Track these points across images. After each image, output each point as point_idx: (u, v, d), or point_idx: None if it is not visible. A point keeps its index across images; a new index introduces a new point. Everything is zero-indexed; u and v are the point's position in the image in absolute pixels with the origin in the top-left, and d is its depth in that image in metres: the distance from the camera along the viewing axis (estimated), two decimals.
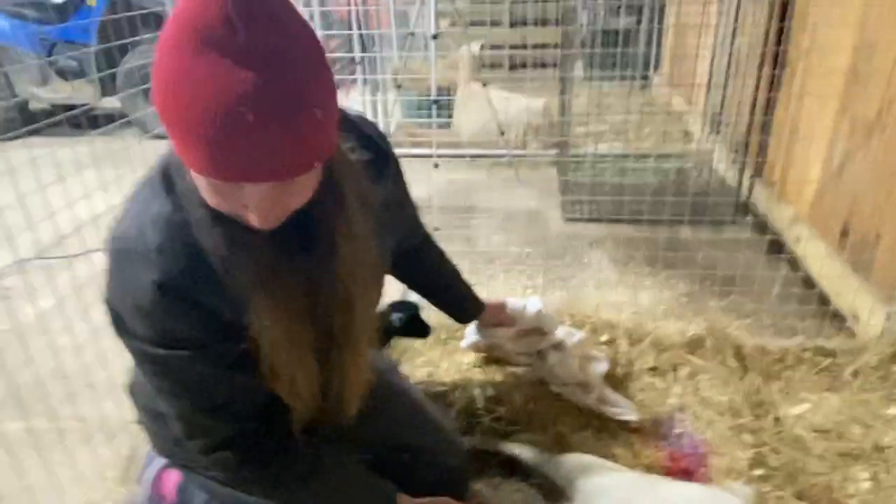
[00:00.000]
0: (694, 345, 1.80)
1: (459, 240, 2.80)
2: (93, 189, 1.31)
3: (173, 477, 1.30)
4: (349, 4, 3.80)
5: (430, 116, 4.09)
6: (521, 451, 1.43)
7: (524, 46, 4.57)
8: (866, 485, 1.37)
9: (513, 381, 1.59)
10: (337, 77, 0.71)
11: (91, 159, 1.27)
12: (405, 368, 1.65)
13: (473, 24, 5.68)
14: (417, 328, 1.43)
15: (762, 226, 2.70)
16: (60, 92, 5.25)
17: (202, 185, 0.70)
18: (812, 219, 2.36)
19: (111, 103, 5.28)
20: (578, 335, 1.63)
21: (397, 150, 1.06)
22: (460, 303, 1.46)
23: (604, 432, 1.51)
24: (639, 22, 5.06)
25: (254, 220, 0.72)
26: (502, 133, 3.83)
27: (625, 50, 3.74)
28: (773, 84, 2.69)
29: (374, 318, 1.02)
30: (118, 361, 1.48)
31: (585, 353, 1.63)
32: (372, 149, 0.96)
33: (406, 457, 1.26)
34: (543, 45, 4.32)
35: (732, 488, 1.25)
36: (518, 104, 4.18)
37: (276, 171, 0.66)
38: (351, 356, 0.96)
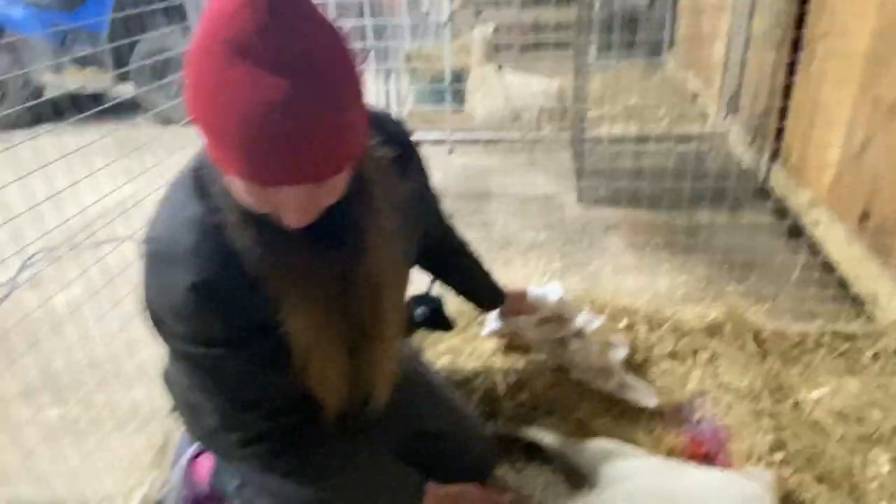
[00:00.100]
0: (713, 330, 1.81)
1: (475, 225, 2.81)
2: (109, 177, 1.33)
3: (206, 463, 1.34)
4: None
5: (442, 101, 4.09)
6: (543, 436, 1.45)
7: (537, 28, 4.53)
8: (886, 468, 1.38)
9: (534, 368, 1.61)
10: None
11: (101, 147, 1.29)
12: (427, 356, 1.67)
13: (486, 2, 5.64)
14: (440, 322, 1.45)
15: (780, 209, 2.69)
16: (75, 79, 5.28)
17: (238, 187, 0.72)
18: (831, 202, 2.35)
19: (123, 88, 5.30)
20: (598, 321, 1.65)
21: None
22: (482, 291, 1.47)
23: (624, 418, 1.53)
24: (652, 2, 5.01)
25: (289, 220, 0.74)
26: (517, 117, 3.81)
27: (639, 31, 3.70)
28: (792, 67, 2.66)
29: (402, 309, 1.04)
30: (147, 350, 1.52)
31: (605, 340, 1.64)
32: (397, 145, 0.97)
33: (431, 444, 1.29)
34: (557, 27, 4.28)
35: (753, 473, 1.26)
36: (532, 87, 4.16)
37: (312, 174, 0.68)
38: (380, 349, 0.98)
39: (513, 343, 1.65)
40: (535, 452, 1.48)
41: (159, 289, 0.84)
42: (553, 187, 3.29)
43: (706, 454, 1.43)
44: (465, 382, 1.60)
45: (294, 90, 0.63)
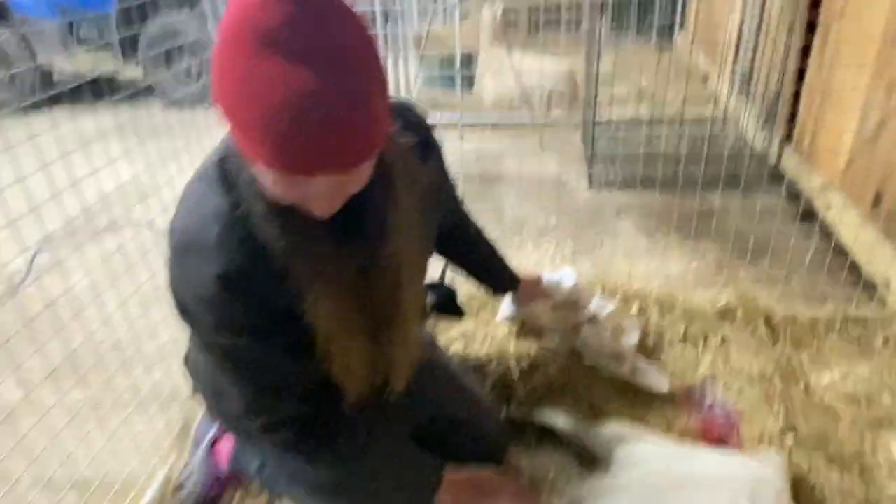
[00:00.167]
0: (724, 314, 1.82)
1: (486, 210, 2.81)
2: (117, 159, 1.33)
3: (227, 445, 1.37)
4: None
5: (452, 85, 4.07)
6: (557, 419, 1.47)
7: (547, 9, 4.48)
8: None
9: (547, 353, 1.63)
10: None
11: (111, 131, 1.29)
12: (440, 341, 1.69)
13: None
14: (453, 309, 1.47)
15: (792, 193, 2.68)
16: (82, 61, 5.28)
17: (267, 178, 0.73)
18: (844, 186, 2.34)
19: (133, 72, 5.30)
20: (610, 306, 1.66)
21: None
22: (497, 277, 1.49)
23: (637, 401, 1.55)
24: None
25: (318, 208, 0.75)
26: (527, 101, 3.80)
27: (650, 11, 3.66)
28: (805, 50, 2.63)
29: (421, 296, 1.05)
30: (166, 333, 1.55)
31: (617, 324, 1.66)
32: (415, 132, 0.98)
33: (445, 428, 1.31)
34: (567, 7, 4.24)
35: (764, 455, 1.28)
36: (542, 69, 4.14)
37: (341, 162, 0.69)
38: (400, 335, 1.00)
39: (526, 328, 1.67)
40: (547, 436, 1.50)
41: (185, 279, 0.86)
42: (563, 170, 3.28)
43: (718, 437, 1.45)
44: (478, 367, 1.61)
45: (323, 80, 0.64)
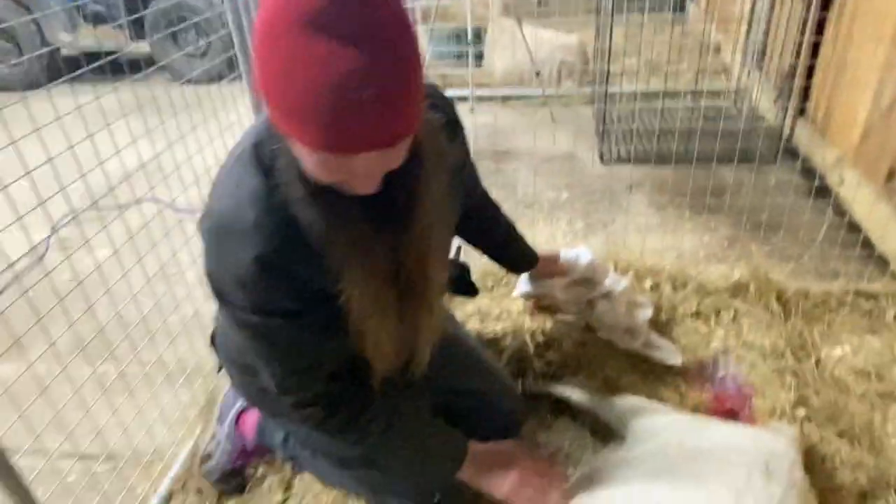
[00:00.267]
0: (737, 289, 1.84)
1: (497, 185, 2.82)
2: (127, 136, 1.34)
3: (252, 418, 1.41)
4: None
5: (461, 59, 4.04)
6: (572, 392, 1.50)
7: None
8: None
9: (562, 328, 1.65)
10: None
11: (118, 106, 1.30)
12: (457, 316, 1.72)
13: None
14: (466, 287, 1.48)
15: (806, 168, 2.67)
16: (89, 38, 5.26)
17: (309, 160, 0.74)
18: (857, 161, 2.34)
19: (140, 48, 5.28)
20: (624, 282, 1.68)
21: None
22: (516, 256, 1.50)
23: (651, 375, 1.58)
24: None
25: (361, 186, 0.77)
26: (538, 73, 3.77)
27: None
28: (820, 24, 2.60)
29: (446, 273, 1.07)
30: (188, 307, 1.58)
31: (631, 300, 1.68)
32: (442, 111, 0.99)
33: (463, 402, 1.34)
34: None
35: (777, 428, 1.31)
36: (552, 41, 4.10)
37: (387, 139, 0.70)
38: (426, 314, 1.02)
39: (541, 304, 1.69)
40: (563, 409, 1.53)
41: (222, 261, 0.87)
42: (574, 145, 3.28)
43: (730, 410, 1.48)
44: (494, 342, 1.64)
45: (369, 59, 0.65)
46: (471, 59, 3.80)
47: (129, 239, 1.39)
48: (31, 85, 4.89)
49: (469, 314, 1.73)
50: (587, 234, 2.41)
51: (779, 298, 1.80)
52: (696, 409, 1.47)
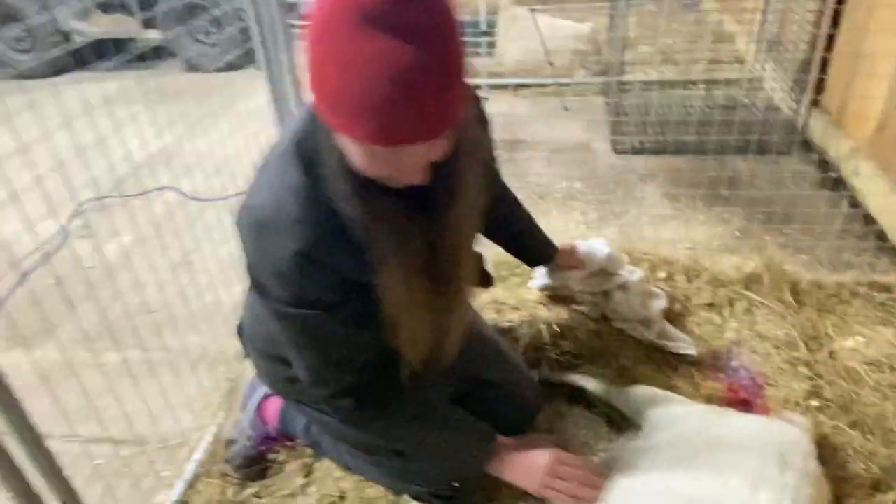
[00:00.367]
0: (750, 281, 1.85)
1: (508, 175, 2.81)
2: (139, 125, 1.35)
3: (275, 404, 1.44)
4: None
5: (473, 47, 4.03)
6: (587, 382, 1.53)
7: None
8: None
9: (577, 317, 1.67)
10: None
11: (128, 94, 1.31)
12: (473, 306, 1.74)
13: None
14: (481, 278, 1.50)
15: (820, 159, 2.67)
16: (102, 25, 5.27)
17: (360, 154, 0.76)
18: (872, 153, 2.33)
19: (152, 35, 5.28)
20: (638, 273, 1.69)
21: None
22: (534, 249, 1.52)
23: (665, 365, 1.60)
24: None
25: (411, 177, 0.79)
26: (551, 63, 3.76)
27: None
28: (836, 16, 2.59)
29: (475, 267, 1.09)
30: (209, 295, 1.60)
31: (646, 290, 1.69)
32: (473, 105, 1.01)
33: (480, 390, 1.36)
34: None
35: (790, 418, 1.33)
36: (564, 30, 4.08)
37: (437, 130, 0.73)
38: (458, 305, 1.04)
39: (556, 294, 1.71)
40: (578, 398, 1.56)
41: (263, 255, 0.89)
42: (587, 134, 3.28)
43: (744, 400, 1.50)
44: (510, 331, 1.66)
45: (424, 54, 0.67)
46: (481, 48, 3.79)
47: (152, 228, 1.41)
48: (43, 73, 4.91)
49: (485, 304, 1.75)
50: (600, 225, 2.42)
51: (792, 290, 1.81)
52: (709, 399, 1.49)
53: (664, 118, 3.14)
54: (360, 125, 0.70)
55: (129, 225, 1.39)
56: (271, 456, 1.47)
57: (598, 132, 3.28)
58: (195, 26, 4.98)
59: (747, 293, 1.81)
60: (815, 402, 1.46)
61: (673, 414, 1.30)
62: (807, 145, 2.78)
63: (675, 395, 1.39)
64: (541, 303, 1.72)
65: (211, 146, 1.59)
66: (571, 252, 1.57)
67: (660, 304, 1.69)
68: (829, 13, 2.66)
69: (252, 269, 0.92)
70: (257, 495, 1.41)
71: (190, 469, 1.47)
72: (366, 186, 0.81)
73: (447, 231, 0.93)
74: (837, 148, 2.57)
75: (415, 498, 1.32)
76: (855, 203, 2.29)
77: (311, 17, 0.70)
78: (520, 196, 1.47)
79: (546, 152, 3.11)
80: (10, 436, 0.97)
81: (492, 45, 4.26)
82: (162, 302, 1.41)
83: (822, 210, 2.24)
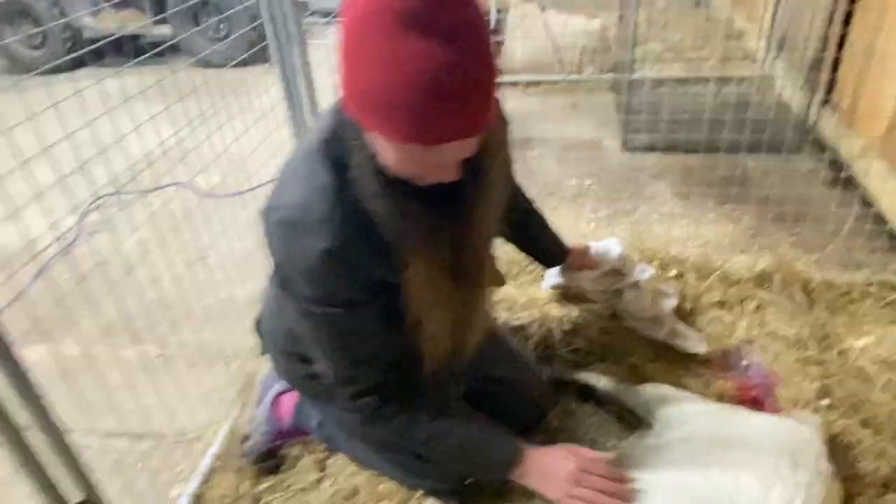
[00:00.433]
0: (761, 279, 1.85)
1: (518, 173, 2.82)
2: (151, 121, 1.35)
3: (289, 400, 1.46)
4: None
5: None
6: (598, 380, 1.53)
7: None
8: None
9: (587, 316, 1.68)
10: None
11: (140, 90, 1.31)
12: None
13: None
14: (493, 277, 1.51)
15: (830, 157, 2.66)
16: (110, 20, 5.30)
17: (393, 153, 0.77)
18: (884, 152, 2.32)
19: (161, 30, 5.30)
20: (649, 271, 1.70)
21: None
22: (548, 249, 1.53)
23: (675, 364, 1.61)
24: None
25: (445, 175, 0.81)
26: (560, 58, 3.75)
27: None
28: (847, 16, 2.58)
29: (495, 266, 1.10)
30: (223, 291, 1.62)
31: (657, 289, 1.70)
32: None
33: (491, 388, 1.37)
34: None
35: (802, 417, 1.33)
36: (573, 26, 4.08)
37: (473, 129, 0.75)
38: (479, 305, 1.06)
39: (567, 292, 1.72)
40: (588, 396, 1.57)
41: (291, 254, 0.91)
42: (596, 132, 3.28)
43: (754, 399, 1.50)
44: (520, 330, 1.68)
45: (461, 54, 0.69)
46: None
47: (167, 224, 1.43)
48: (56, 69, 4.94)
49: (496, 302, 1.76)
50: (610, 223, 2.42)
51: (803, 289, 1.82)
52: (720, 398, 1.50)
53: (674, 116, 3.13)
54: (395, 125, 0.72)
55: (144, 221, 1.41)
56: (285, 451, 1.48)
57: (608, 129, 3.28)
58: (206, 23, 5.00)
59: (758, 292, 1.82)
60: (825, 401, 1.46)
61: (684, 412, 1.30)
62: (818, 144, 2.77)
63: (686, 393, 1.40)
64: (551, 301, 1.73)
65: (224, 142, 1.60)
66: (584, 253, 1.57)
67: (670, 302, 1.70)
68: (840, 12, 2.65)
69: (279, 268, 0.93)
70: (272, 489, 1.43)
71: (205, 463, 1.48)
72: (394, 186, 0.83)
73: (472, 229, 0.95)
74: (849, 147, 2.57)
75: (428, 493, 1.33)
76: (867, 202, 2.29)
77: (345, 19, 0.71)
78: (529, 193, 1.48)
79: (556, 149, 3.11)
80: (34, 430, 0.99)
81: (501, 42, 4.25)
82: (177, 297, 1.43)
83: (833, 209, 2.23)
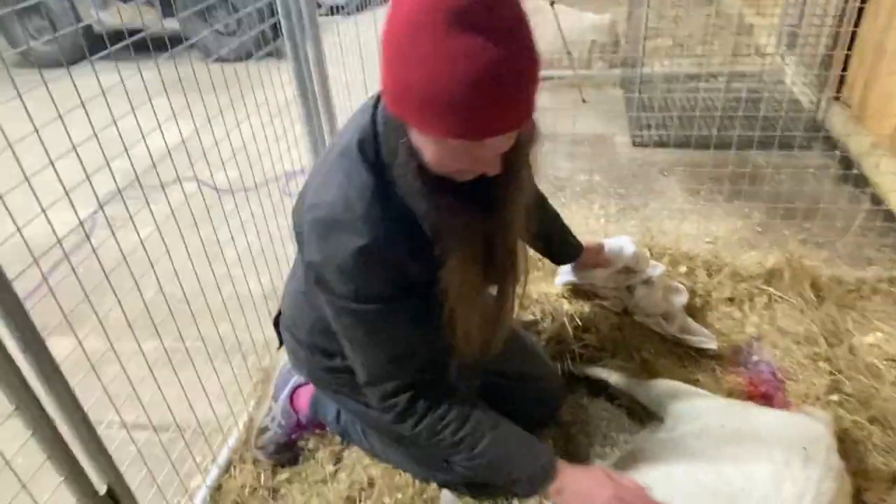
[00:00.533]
0: (771, 276, 1.87)
1: None
2: (160, 115, 1.37)
3: (306, 393, 1.48)
4: None
5: None
6: (609, 375, 1.56)
7: None
8: None
9: (599, 311, 1.70)
10: None
11: (148, 83, 1.32)
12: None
13: None
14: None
15: (839, 154, 2.66)
16: (121, 15, 5.32)
17: (437, 149, 0.79)
18: (893, 148, 2.33)
19: (171, 26, 5.32)
20: (660, 267, 1.72)
21: None
22: (562, 247, 1.54)
23: (686, 359, 1.63)
24: None
25: (488, 168, 0.84)
26: (569, 53, 3.76)
27: None
28: (859, 13, 2.58)
29: (526, 261, 1.11)
30: (239, 285, 1.64)
31: (667, 285, 1.72)
32: None
33: (505, 382, 1.39)
34: None
35: (812, 413, 1.35)
36: (583, 22, 4.07)
37: (517, 123, 0.78)
38: (509, 301, 1.07)
39: (578, 288, 1.74)
40: (599, 391, 1.59)
41: (328, 251, 0.92)
42: (605, 127, 3.28)
43: (764, 394, 1.52)
44: (533, 325, 1.70)
45: (509, 50, 0.71)
46: None
47: (168, 215, 1.45)
48: (65, 62, 4.97)
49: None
50: (620, 218, 2.43)
51: (813, 285, 1.83)
52: (730, 393, 1.52)
53: (684, 112, 3.14)
54: (442, 121, 0.74)
55: (158, 215, 1.43)
56: (302, 443, 1.51)
57: (617, 125, 3.29)
58: (215, 17, 5.02)
59: (768, 288, 1.84)
60: (834, 397, 1.48)
61: (696, 407, 1.32)
62: (828, 140, 2.77)
63: (696, 389, 1.42)
64: (563, 297, 1.75)
65: (236, 137, 1.62)
66: (598, 251, 1.59)
67: (681, 299, 1.71)
68: (851, 10, 2.65)
69: (315, 266, 0.95)
70: (289, 481, 1.46)
71: (224, 455, 1.51)
72: (433, 183, 0.85)
73: (505, 225, 0.97)
74: (858, 144, 2.57)
75: (443, 485, 1.35)
76: (877, 199, 2.29)
77: (391, 18, 0.73)
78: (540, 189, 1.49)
79: (565, 145, 3.12)
80: (63, 421, 1.02)
81: None
82: (194, 291, 1.45)
83: (843, 206, 2.25)
